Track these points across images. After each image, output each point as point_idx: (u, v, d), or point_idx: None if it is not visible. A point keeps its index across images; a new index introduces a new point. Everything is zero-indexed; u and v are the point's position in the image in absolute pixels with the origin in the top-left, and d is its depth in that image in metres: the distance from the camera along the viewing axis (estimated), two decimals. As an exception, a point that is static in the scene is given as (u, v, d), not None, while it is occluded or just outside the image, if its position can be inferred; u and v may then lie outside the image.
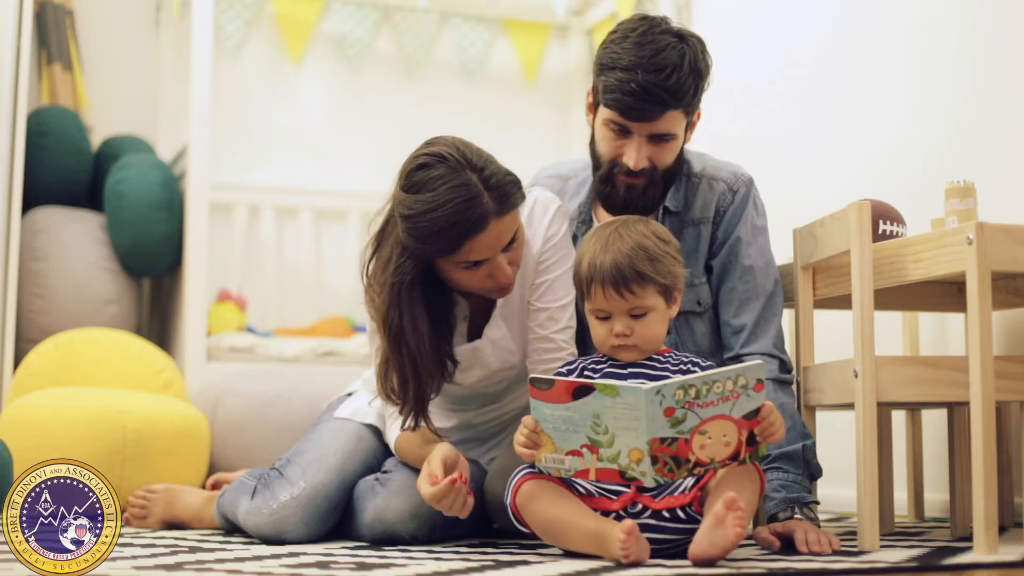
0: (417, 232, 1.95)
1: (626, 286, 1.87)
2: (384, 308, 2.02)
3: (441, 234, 1.93)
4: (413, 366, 2.02)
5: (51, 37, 3.94)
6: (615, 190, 2.22)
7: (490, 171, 1.97)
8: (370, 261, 2.07)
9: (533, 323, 2.15)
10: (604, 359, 1.96)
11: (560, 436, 1.78)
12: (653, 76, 2.11)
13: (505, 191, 1.97)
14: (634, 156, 2.17)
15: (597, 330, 1.94)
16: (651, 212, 2.25)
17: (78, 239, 3.67)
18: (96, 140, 3.98)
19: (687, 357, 1.96)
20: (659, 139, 2.18)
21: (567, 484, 1.85)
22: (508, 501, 1.89)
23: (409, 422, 2.06)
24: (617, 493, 1.83)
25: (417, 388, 2.04)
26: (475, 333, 2.18)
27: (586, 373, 1.95)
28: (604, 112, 2.19)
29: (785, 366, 2.22)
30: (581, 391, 1.72)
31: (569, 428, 1.76)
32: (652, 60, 2.11)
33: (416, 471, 2.14)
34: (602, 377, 1.92)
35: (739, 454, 1.76)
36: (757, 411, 1.74)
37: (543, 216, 2.17)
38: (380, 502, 2.11)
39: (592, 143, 2.29)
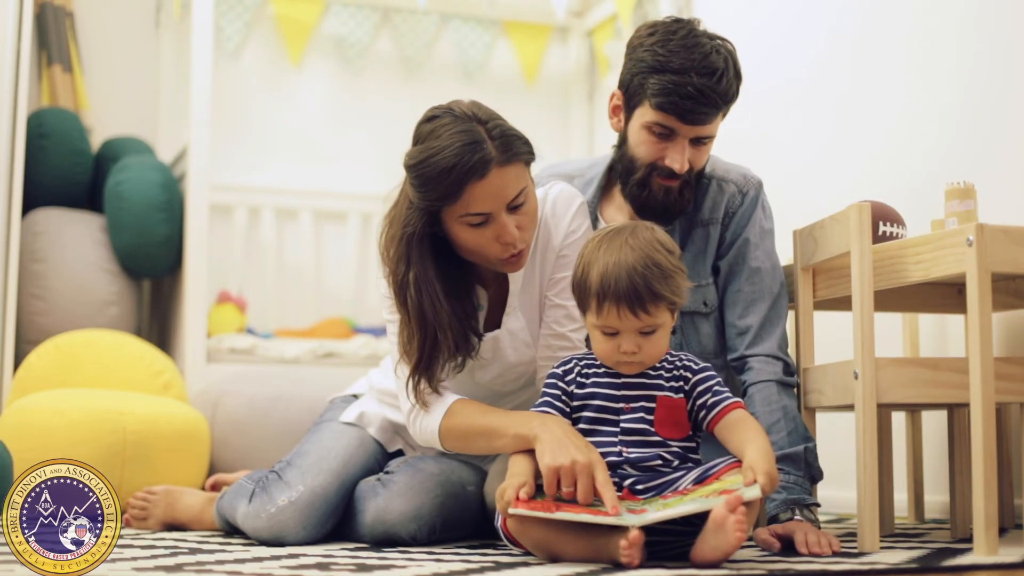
0: (420, 179, 1.96)
1: (642, 307, 1.82)
2: (394, 263, 2.03)
3: (442, 178, 1.93)
4: (420, 319, 2.00)
5: (51, 39, 3.95)
6: (653, 194, 2.22)
7: (495, 123, 1.98)
8: (387, 230, 2.07)
9: (549, 319, 2.15)
10: (599, 363, 1.93)
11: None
12: (706, 79, 2.11)
13: (508, 141, 1.98)
14: (679, 159, 2.17)
15: (602, 345, 1.89)
16: (683, 213, 2.25)
17: (78, 240, 3.67)
18: (96, 141, 3.98)
19: (681, 361, 1.93)
20: (700, 141, 2.19)
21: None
22: (499, 523, 1.88)
23: (411, 390, 2.03)
24: None
25: (426, 347, 2.00)
26: (491, 327, 2.17)
27: (579, 379, 1.93)
28: (649, 115, 2.17)
29: (789, 368, 2.23)
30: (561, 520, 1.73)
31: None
32: (703, 63, 2.12)
33: (419, 471, 2.14)
34: (592, 386, 1.91)
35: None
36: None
37: (566, 209, 2.17)
38: (381, 503, 2.11)
39: (621, 146, 2.27)
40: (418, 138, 2.00)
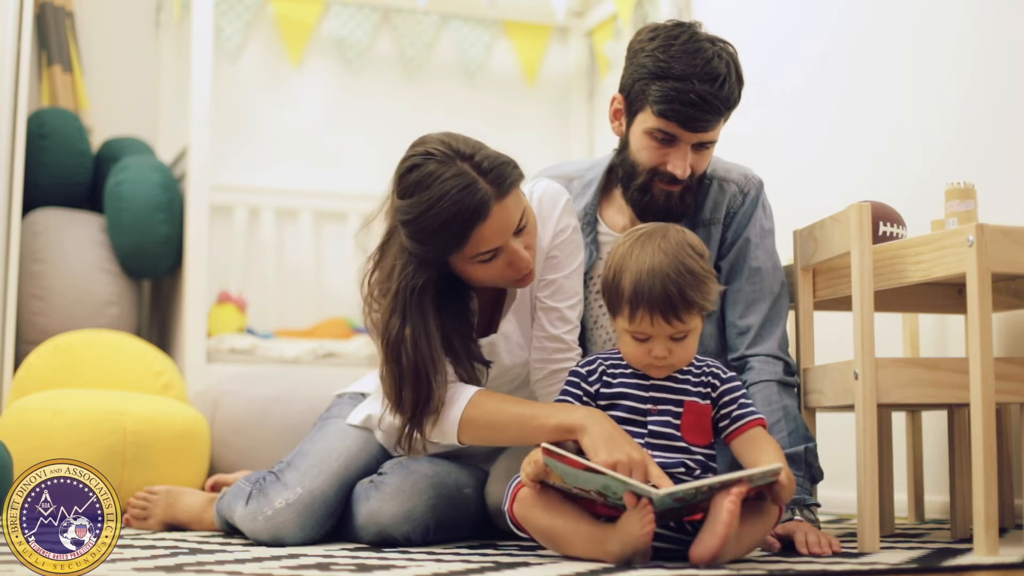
0: (421, 234, 1.92)
1: (675, 315, 1.81)
2: (385, 316, 1.97)
3: (445, 229, 1.90)
4: (413, 376, 1.96)
5: (51, 39, 3.95)
6: (654, 199, 2.21)
7: (481, 156, 1.93)
8: (372, 273, 2.02)
9: (542, 321, 2.14)
10: (625, 363, 1.92)
11: (570, 479, 1.76)
12: (708, 86, 2.10)
13: (500, 172, 1.93)
14: (681, 165, 2.16)
15: (632, 349, 1.87)
16: (684, 217, 2.25)
17: (78, 241, 3.67)
18: (96, 142, 3.98)
19: (709, 367, 1.92)
20: (702, 147, 2.18)
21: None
22: (506, 507, 1.87)
23: (403, 443, 2.01)
24: None
25: (420, 401, 1.96)
26: (484, 330, 2.16)
27: (605, 379, 1.91)
28: (651, 121, 2.16)
29: (789, 368, 2.22)
30: (594, 469, 1.70)
31: (579, 480, 1.75)
32: (705, 69, 2.11)
33: (411, 472, 2.13)
34: (620, 386, 1.90)
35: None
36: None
37: (552, 208, 2.15)
38: (374, 505, 2.10)
39: (623, 151, 2.26)
40: (405, 191, 1.93)
